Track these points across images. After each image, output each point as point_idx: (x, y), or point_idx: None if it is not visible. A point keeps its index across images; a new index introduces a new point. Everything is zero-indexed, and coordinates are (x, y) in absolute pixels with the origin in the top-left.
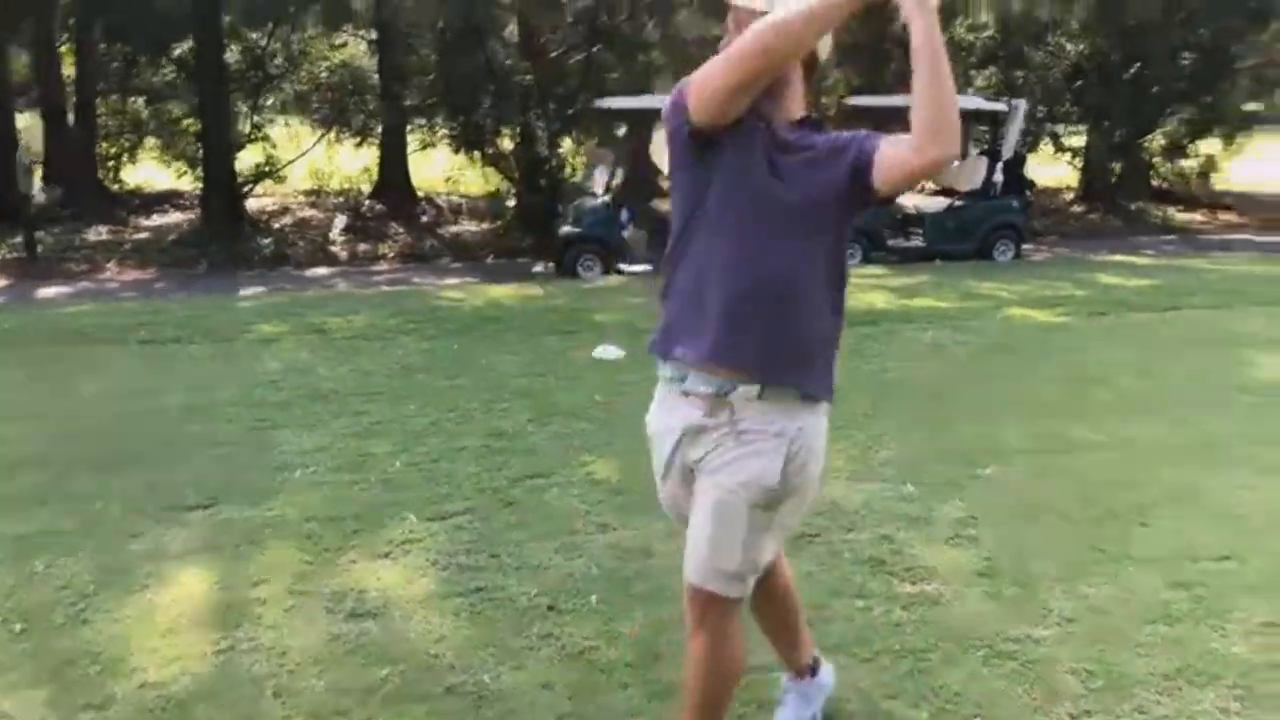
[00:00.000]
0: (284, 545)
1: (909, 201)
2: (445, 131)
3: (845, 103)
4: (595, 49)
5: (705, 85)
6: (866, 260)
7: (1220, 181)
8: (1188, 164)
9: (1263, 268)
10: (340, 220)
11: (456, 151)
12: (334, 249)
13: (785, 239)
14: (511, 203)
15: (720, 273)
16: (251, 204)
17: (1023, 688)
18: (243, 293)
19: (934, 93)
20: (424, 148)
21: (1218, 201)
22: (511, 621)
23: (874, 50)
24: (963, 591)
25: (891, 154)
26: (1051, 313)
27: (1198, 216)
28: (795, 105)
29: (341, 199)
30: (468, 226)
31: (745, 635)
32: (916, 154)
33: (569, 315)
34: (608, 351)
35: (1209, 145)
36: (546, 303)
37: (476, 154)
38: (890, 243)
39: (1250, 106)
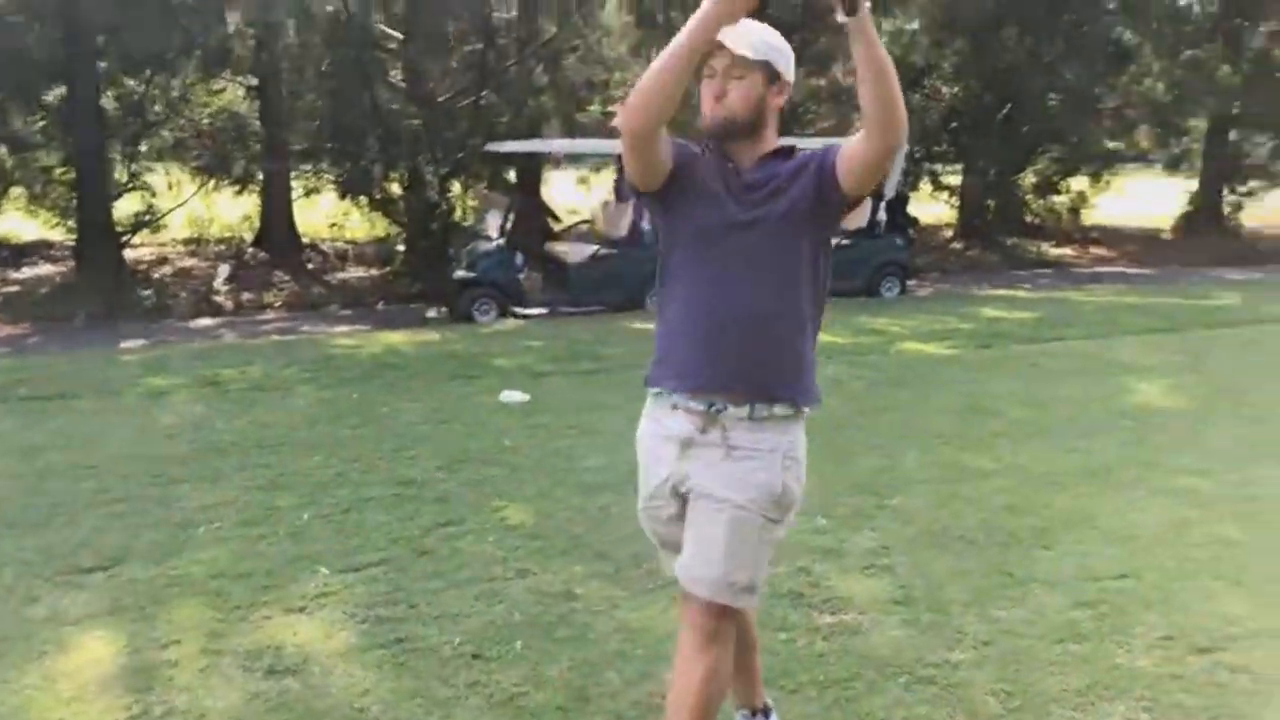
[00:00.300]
0: (192, 604)
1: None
2: (330, 177)
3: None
4: (484, 93)
5: (624, 158)
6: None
7: (1089, 217)
8: (1058, 200)
9: (1132, 298)
10: (224, 269)
11: (343, 197)
12: (218, 299)
13: (762, 271)
14: (401, 248)
15: (703, 308)
16: (129, 254)
17: (944, 711)
18: (125, 345)
19: (879, 91)
20: (308, 194)
21: (1087, 236)
22: (436, 671)
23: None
24: (881, 620)
25: (848, 152)
26: (941, 346)
27: (1069, 251)
28: (767, 144)
29: (223, 247)
30: (356, 273)
31: None
32: (868, 145)
33: (470, 360)
34: (513, 396)
35: (1078, 182)
36: (445, 348)
37: (364, 199)
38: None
39: (1113, 145)
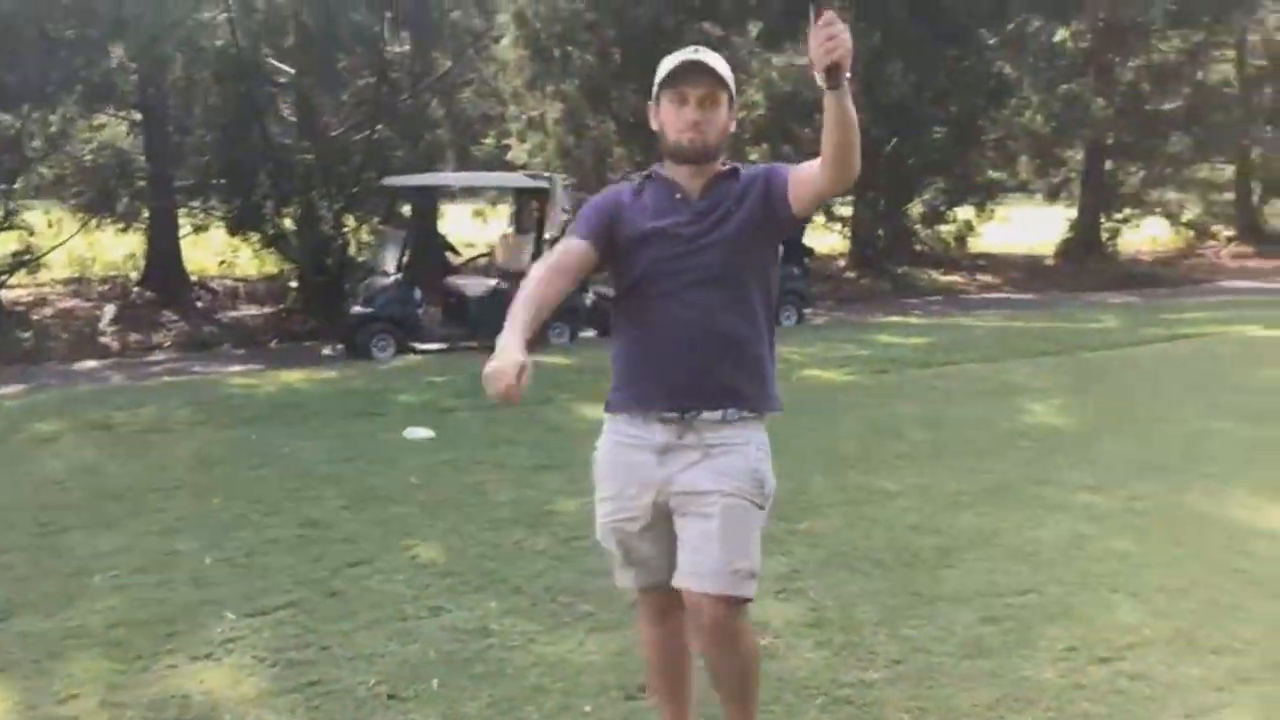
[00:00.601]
0: (90, 656)
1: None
2: (220, 213)
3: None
4: (378, 127)
5: None
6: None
7: (975, 245)
8: (945, 230)
9: (1020, 323)
10: (109, 309)
11: (233, 234)
12: (104, 340)
13: (723, 289)
14: (294, 285)
15: (669, 332)
16: (5, 295)
17: None
18: (3, 391)
19: (846, 140)
20: (197, 231)
21: (974, 263)
22: (351, 713)
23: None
24: (796, 643)
25: (802, 178)
26: (840, 372)
27: (958, 278)
28: (716, 166)
29: (107, 287)
30: (248, 311)
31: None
32: (824, 179)
33: (371, 397)
34: (418, 433)
35: (964, 212)
36: (345, 385)
37: (255, 236)
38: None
39: (996, 175)
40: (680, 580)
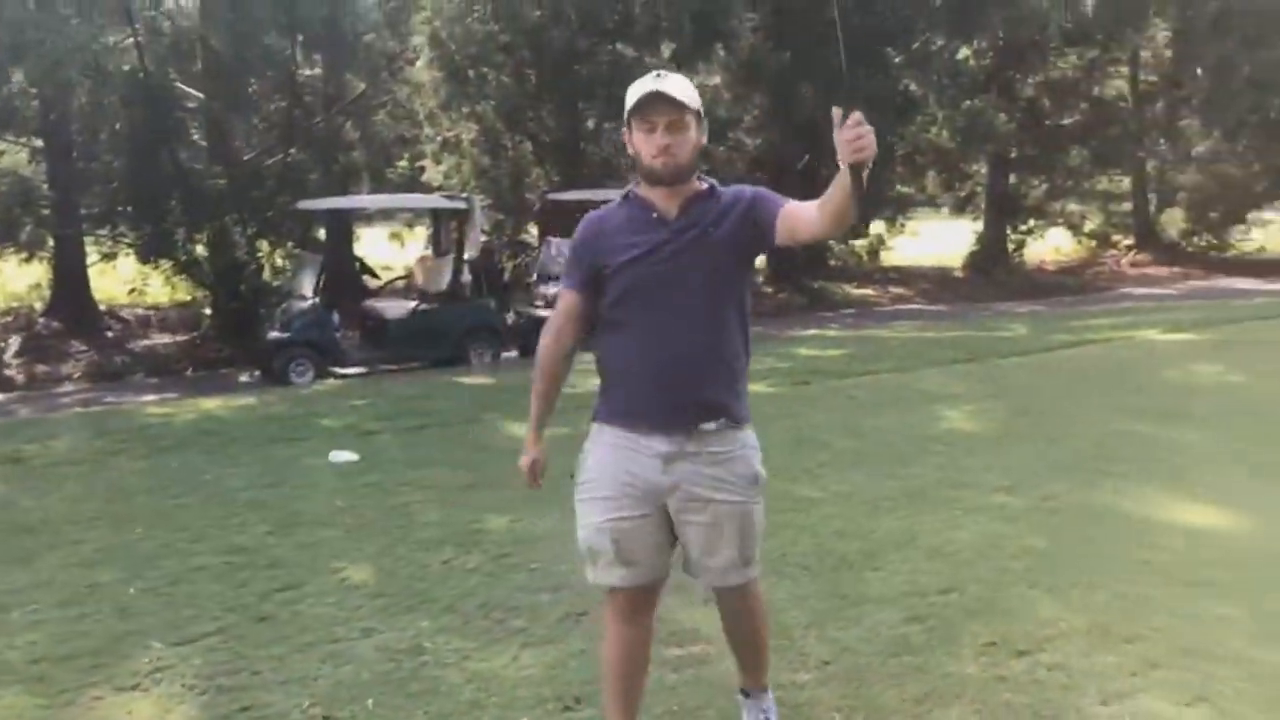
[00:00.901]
0: (12, 694)
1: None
2: (129, 241)
3: (547, 198)
4: (291, 151)
5: None
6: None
7: (887, 258)
8: (859, 244)
9: (932, 333)
10: (14, 341)
11: (145, 261)
12: (9, 372)
13: (706, 304)
14: (208, 311)
15: (655, 349)
16: None
17: None
18: None
19: (847, 206)
20: (105, 259)
21: (886, 276)
22: None
23: (569, 149)
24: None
25: (792, 214)
26: (763, 384)
27: (870, 291)
28: (693, 186)
29: (11, 318)
30: (160, 339)
31: None
32: (821, 230)
33: (293, 422)
34: (341, 456)
35: (876, 226)
36: (265, 411)
37: (167, 263)
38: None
39: (905, 190)
40: (699, 574)
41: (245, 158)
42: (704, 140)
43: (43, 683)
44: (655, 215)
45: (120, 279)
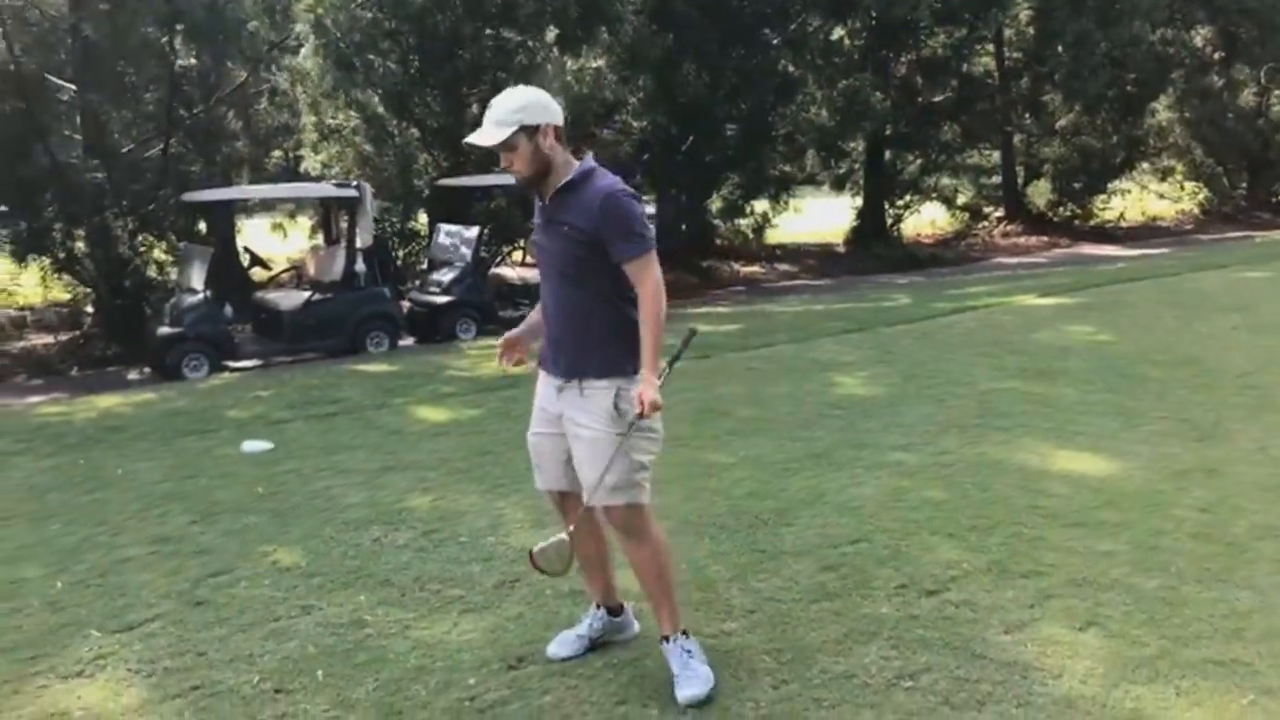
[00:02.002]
0: None
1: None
2: (4, 239)
3: (437, 183)
4: (172, 142)
5: None
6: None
7: (772, 236)
8: (744, 223)
9: (821, 306)
10: None
11: (21, 260)
12: None
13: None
14: (90, 309)
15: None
16: None
17: (728, 673)
18: None
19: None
20: None
21: (772, 254)
22: (241, 710)
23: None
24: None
25: (625, 267)
26: (664, 360)
27: (757, 268)
28: (560, 177)
29: None
30: (38, 340)
31: None
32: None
33: (199, 415)
34: (255, 445)
35: (760, 205)
36: (167, 406)
37: (45, 260)
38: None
39: (787, 169)
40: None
41: (123, 150)
42: (549, 141)
43: None
44: (541, 204)
45: None
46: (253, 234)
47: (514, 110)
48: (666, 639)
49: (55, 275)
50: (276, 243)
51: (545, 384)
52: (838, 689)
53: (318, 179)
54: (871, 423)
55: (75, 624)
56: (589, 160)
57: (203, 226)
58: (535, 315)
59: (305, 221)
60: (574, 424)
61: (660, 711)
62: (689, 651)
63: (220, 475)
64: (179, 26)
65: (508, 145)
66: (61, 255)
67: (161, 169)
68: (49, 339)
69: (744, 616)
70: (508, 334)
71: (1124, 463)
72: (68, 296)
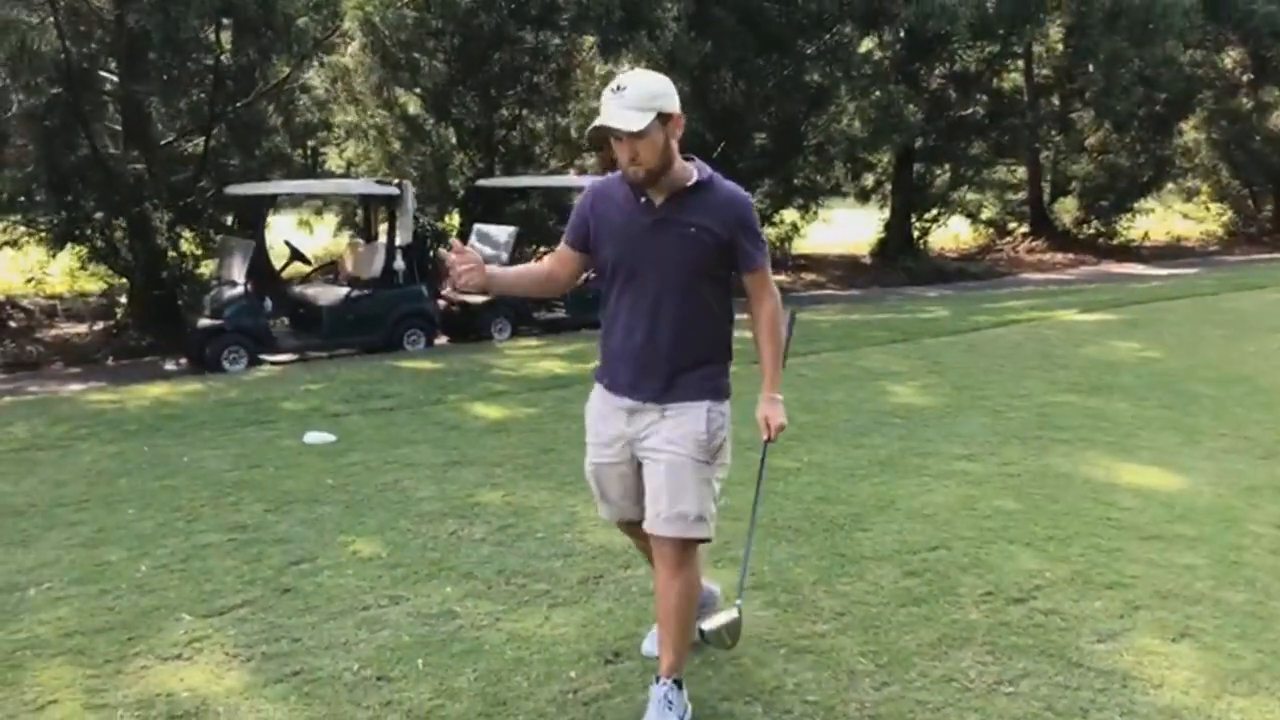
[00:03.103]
0: (56, 665)
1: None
2: (43, 227)
3: (476, 184)
4: (214, 133)
5: None
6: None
7: (797, 245)
8: (772, 232)
9: (858, 315)
10: None
11: (58, 248)
12: None
13: (672, 290)
14: (123, 299)
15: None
16: None
17: (828, 674)
18: None
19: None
20: (8, 246)
21: (797, 263)
22: (346, 696)
23: (489, 135)
24: (746, 605)
25: (745, 277)
26: None
27: (784, 277)
28: (677, 176)
29: None
30: (70, 329)
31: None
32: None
33: (255, 406)
34: (319, 437)
35: (790, 214)
36: (219, 396)
37: (83, 250)
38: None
39: (816, 179)
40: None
41: (164, 142)
42: (678, 131)
43: (83, 655)
44: (644, 200)
45: (18, 269)
46: (280, 228)
47: (653, 96)
48: (659, 679)
49: (91, 264)
50: (304, 238)
51: (609, 405)
52: (939, 692)
53: (342, 176)
54: (931, 431)
55: (166, 607)
56: (700, 162)
57: (231, 220)
58: (525, 268)
59: (332, 218)
60: (653, 450)
61: (764, 710)
62: (670, 704)
63: (286, 465)
64: (227, 20)
65: (643, 134)
66: (100, 244)
67: (201, 162)
68: (81, 328)
69: (834, 619)
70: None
71: (1191, 478)
72: (96, 286)
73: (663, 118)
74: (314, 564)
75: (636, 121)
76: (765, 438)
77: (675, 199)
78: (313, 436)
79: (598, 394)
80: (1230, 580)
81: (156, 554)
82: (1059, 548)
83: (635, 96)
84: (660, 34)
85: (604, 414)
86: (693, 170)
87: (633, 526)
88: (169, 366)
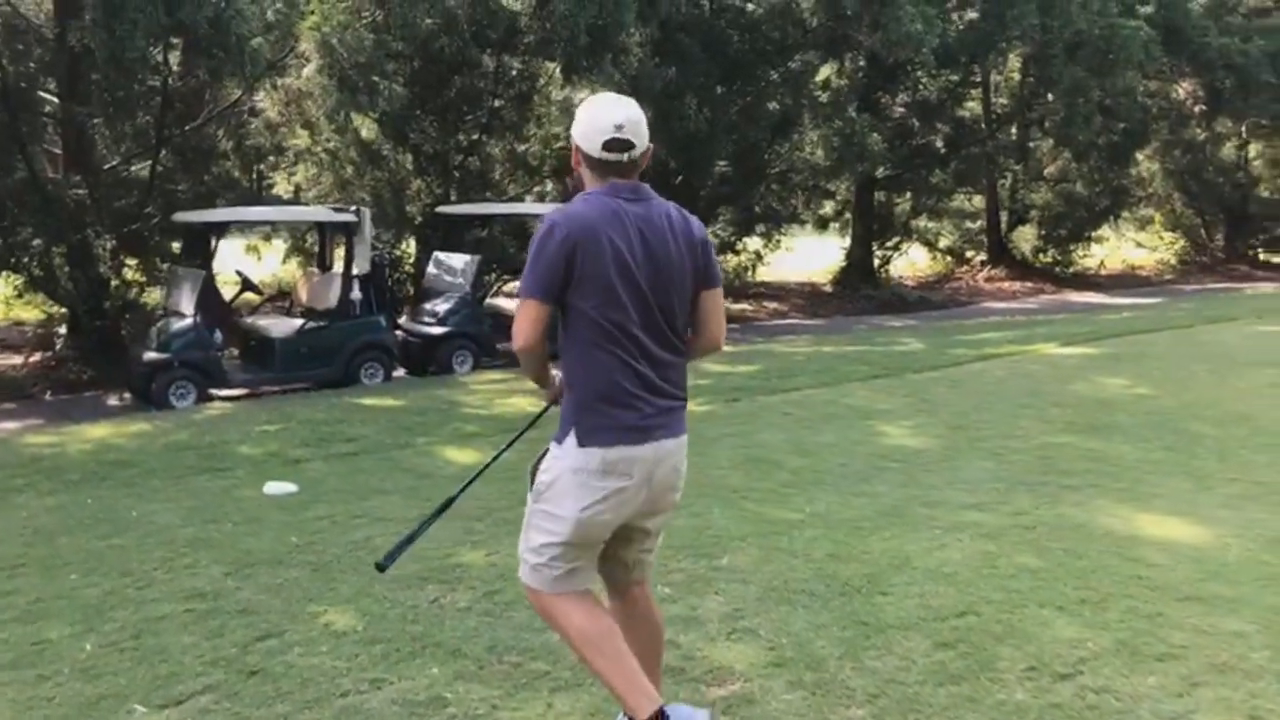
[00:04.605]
0: None
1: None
2: None
3: (437, 210)
4: (161, 157)
5: None
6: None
7: (758, 273)
8: (734, 260)
9: (829, 348)
10: None
11: None
12: None
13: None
14: (63, 329)
15: None
16: None
17: None
18: None
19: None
20: None
21: (760, 291)
22: None
23: (445, 161)
24: (769, 685)
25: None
26: (694, 402)
27: (747, 305)
28: None
29: None
30: (7, 360)
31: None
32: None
33: (209, 451)
34: (279, 488)
35: (753, 242)
36: (167, 439)
37: (18, 279)
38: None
39: (779, 207)
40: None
41: (107, 166)
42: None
43: None
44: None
45: None
46: (226, 255)
47: (644, 126)
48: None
49: (28, 293)
50: (252, 265)
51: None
52: None
53: (290, 201)
54: (933, 477)
55: (115, 696)
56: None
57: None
58: None
59: (281, 244)
60: (675, 490)
61: None
62: None
63: (246, 521)
64: (176, 40)
65: (640, 158)
66: (38, 272)
67: (148, 187)
68: (16, 359)
69: (869, 702)
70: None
71: (1212, 529)
72: (34, 315)
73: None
74: (282, 639)
75: (644, 142)
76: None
77: None
78: (273, 487)
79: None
80: None
81: (104, 629)
82: (1095, 612)
83: (638, 123)
84: (625, 59)
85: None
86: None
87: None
88: (112, 402)
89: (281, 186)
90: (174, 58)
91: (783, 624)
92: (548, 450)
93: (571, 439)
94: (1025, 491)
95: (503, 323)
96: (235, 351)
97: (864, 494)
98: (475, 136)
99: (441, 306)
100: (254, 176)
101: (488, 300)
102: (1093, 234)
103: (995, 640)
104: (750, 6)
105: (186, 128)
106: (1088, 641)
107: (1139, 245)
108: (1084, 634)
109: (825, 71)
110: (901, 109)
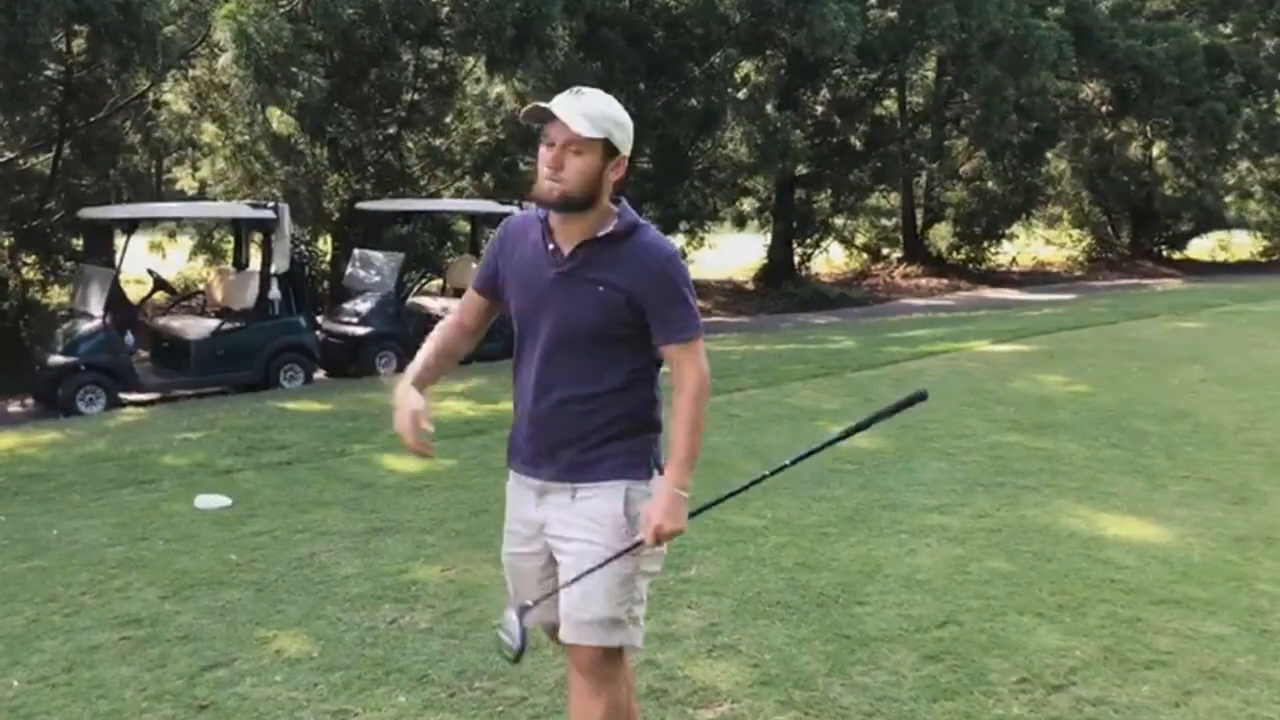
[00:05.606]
0: None
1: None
2: None
3: (357, 206)
4: (63, 150)
5: None
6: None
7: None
8: None
9: (762, 346)
10: None
11: None
12: None
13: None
14: None
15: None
16: None
17: None
18: None
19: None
20: None
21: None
22: None
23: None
24: (759, 706)
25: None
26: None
27: None
28: (595, 223)
29: None
30: None
31: None
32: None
33: (128, 461)
34: (210, 501)
35: (678, 240)
36: (82, 449)
37: None
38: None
39: (699, 204)
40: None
41: (4, 159)
42: (614, 175)
43: None
44: (552, 247)
45: None
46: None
47: (610, 119)
48: None
49: None
50: (157, 263)
51: (521, 487)
52: None
53: (195, 197)
54: (890, 480)
55: None
56: (629, 209)
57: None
58: (428, 355)
59: (187, 241)
60: (561, 539)
61: None
62: None
63: (178, 538)
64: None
65: (580, 145)
66: None
67: (49, 181)
68: None
69: None
70: (409, 401)
71: (1173, 529)
72: None
73: (609, 148)
74: (232, 669)
75: (581, 127)
76: (641, 539)
77: (586, 249)
78: (204, 500)
79: (510, 471)
80: (1270, 654)
81: (30, 661)
82: (1075, 619)
83: (593, 108)
84: (550, 53)
85: (515, 494)
86: (613, 219)
87: (556, 631)
88: (14, 409)
89: (185, 182)
90: (78, 45)
91: (763, 638)
92: (628, 494)
93: (656, 471)
94: (984, 493)
95: (425, 323)
96: (145, 354)
97: (824, 498)
98: (392, 130)
99: (363, 306)
100: (153, 171)
101: (410, 299)
102: (1005, 231)
103: (982, 651)
104: (673, 2)
105: (91, 119)
106: (1074, 650)
107: (1048, 242)
108: (1069, 642)
109: (746, 68)
110: (822, 107)
